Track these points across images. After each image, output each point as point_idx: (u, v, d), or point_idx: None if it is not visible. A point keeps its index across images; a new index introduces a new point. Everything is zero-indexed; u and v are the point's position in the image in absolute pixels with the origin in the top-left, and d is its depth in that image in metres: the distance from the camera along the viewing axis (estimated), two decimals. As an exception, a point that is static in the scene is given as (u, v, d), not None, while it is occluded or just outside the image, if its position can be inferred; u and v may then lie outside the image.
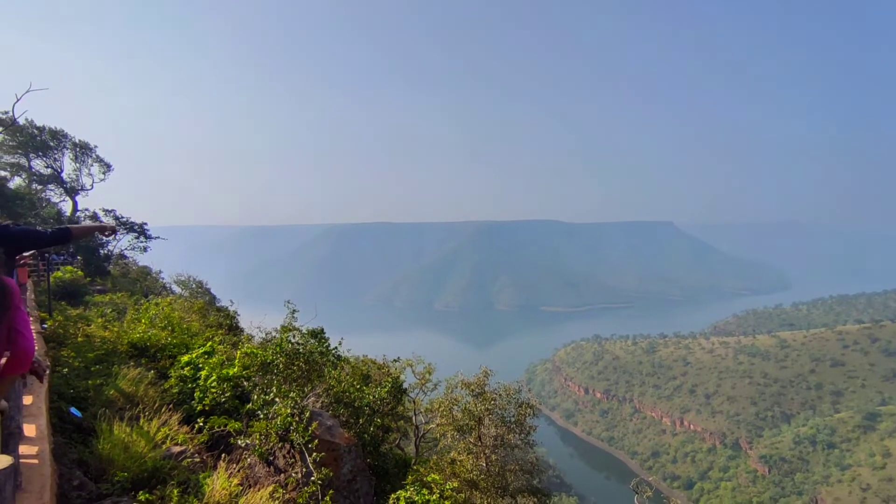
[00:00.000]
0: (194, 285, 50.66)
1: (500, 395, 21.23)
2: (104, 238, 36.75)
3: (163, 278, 54.01)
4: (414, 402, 22.77)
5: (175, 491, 6.41)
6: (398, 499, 8.15)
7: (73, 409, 8.28)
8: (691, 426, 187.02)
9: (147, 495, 6.26)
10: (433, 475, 9.28)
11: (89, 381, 9.32)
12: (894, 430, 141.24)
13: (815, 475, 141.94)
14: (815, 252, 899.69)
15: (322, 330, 17.25)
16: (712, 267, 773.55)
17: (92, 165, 38.37)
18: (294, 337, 14.22)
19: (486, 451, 20.44)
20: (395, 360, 19.30)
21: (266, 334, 19.25)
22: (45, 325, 13.16)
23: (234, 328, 22.82)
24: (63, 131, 37.21)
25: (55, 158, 37.13)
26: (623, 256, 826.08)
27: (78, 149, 37.57)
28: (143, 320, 15.07)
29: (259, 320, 20.71)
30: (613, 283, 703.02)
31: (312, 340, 15.74)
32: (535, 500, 20.94)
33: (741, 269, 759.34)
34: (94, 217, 37.75)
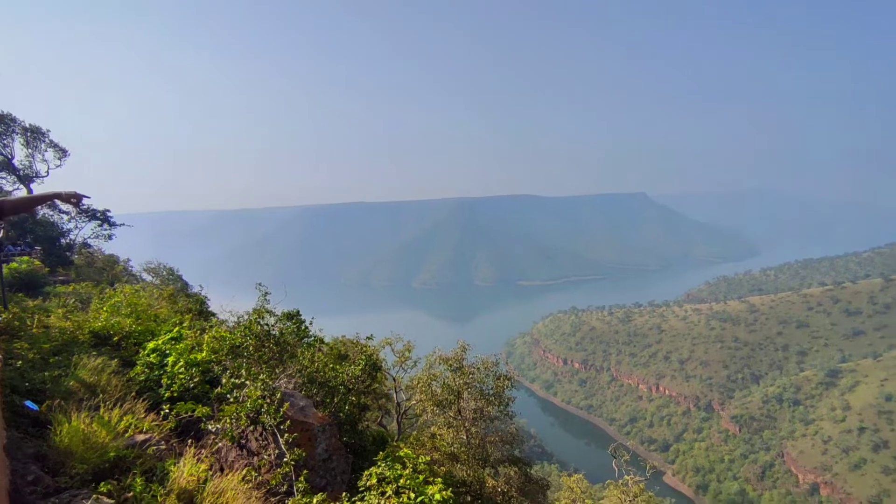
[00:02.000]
0: (165, 272, 49.42)
1: (478, 368, 21.40)
2: (70, 208, 35.19)
3: (132, 267, 52.49)
4: (394, 379, 22.79)
5: (139, 480, 6.18)
6: (370, 475, 8.07)
7: (28, 403, 7.90)
8: (666, 391, 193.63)
9: (109, 485, 6.01)
10: (406, 450, 9.22)
11: (46, 373, 8.92)
12: (854, 384, 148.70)
13: (781, 431, 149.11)
14: (782, 218, 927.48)
15: (298, 312, 16.97)
16: (685, 236, 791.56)
17: (46, 151, 36.49)
18: (268, 319, 13.93)
19: (466, 425, 20.68)
20: (368, 338, 19.16)
21: (239, 318, 18.85)
22: (0, 318, 12.56)
23: (204, 313, 22.31)
24: (11, 115, 35.15)
25: (4, 144, 35.15)
26: (598, 228, 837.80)
27: (29, 133, 35.62)
28: (105, 308, 14.51)
29: (231, 305, 20.27)
30: (589, 255, 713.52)
31: (289, 323, 15.47)
32: (516, 469, 21.36)
33: (713, 237, 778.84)
34: (52, 205, 36.14)
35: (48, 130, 37.17)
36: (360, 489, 8.00)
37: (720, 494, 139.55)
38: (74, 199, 5.20)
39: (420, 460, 8.84)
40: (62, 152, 37.64)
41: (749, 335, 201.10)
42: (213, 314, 23.92)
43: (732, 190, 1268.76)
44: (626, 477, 26.85)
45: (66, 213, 38.45)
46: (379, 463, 8.44)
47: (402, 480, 7.87)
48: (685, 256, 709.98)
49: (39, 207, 35.69)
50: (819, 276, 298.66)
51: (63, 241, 37.05)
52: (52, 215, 36.50)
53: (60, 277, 29.41)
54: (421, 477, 8.10)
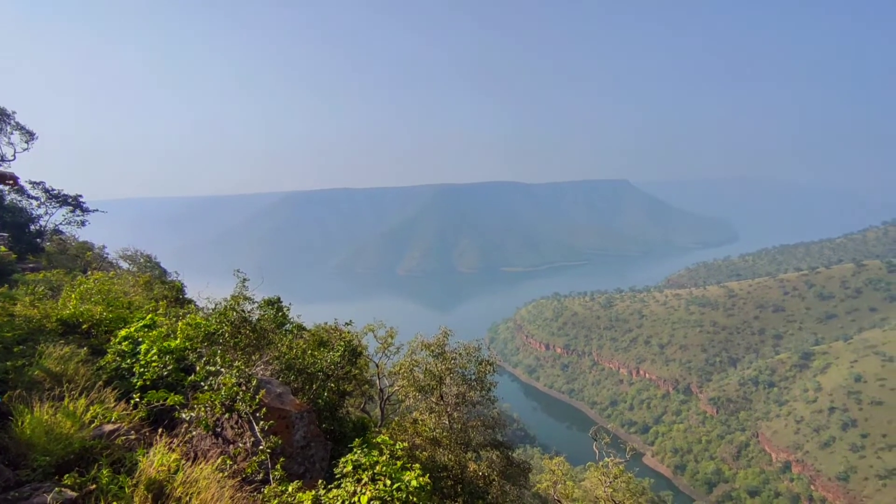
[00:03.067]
0: (143, 260, 48.30)
1: (460, 354, 21.34)
2: (4, 189, 33.91)
3: (107, 254, 51.23)
4: (377, 365, 22.69)
5: (105, 471, 5.97)
6: (346, 462, 7.96)
7: (-11, 393, 7.59)
8: (647, 375, 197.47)
9: (73, 478, 5.80)
10: (382, 436, 9.13)
11: (8, 363, 8.58)
12: (825, 366, 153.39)
13: (756, 412, 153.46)
14: (761, 205, 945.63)
15: (279, 299, 16.68)
16: (666, 223, 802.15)
17: (11, 133, 34.99)
18: (246, 305, 13.65)
19: (449, 410, 20.67)
20: (347, 323, 18.96)
21: (216, 305, 18.48)
22: (-39, 306, 12.07)
23: (180, 300, 21.83)
24: (-26, 96, 33.77)
25: (-33, 127, 33.75)
26: (581, 215, 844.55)
27: (-7, 116, 34.23)
28: (74, 296, 14.04)
29: (208, 291, 19.85)
30: (572, 241, 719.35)
31: (269, 309, 15.20)
32: (498, 452, 21.49)
33: (693, 224, 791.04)
34: (21, 190, 34.86)
35: (14, 112, 35.71)
36: (337, 476, 7.89)
37: (697, 474, 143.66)
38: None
39: (398, 446, 8.75)
40: (29, 135, 36.21)
41: (727, 319, 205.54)
42: (191, 301, 23.45)
43: (714, 177, 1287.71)
44: (606, 459, 27.27)
45: (36, 198, 37.23)
46: (355, 450, 8.34)
47: (378, 467, 7.78)
48: (666, 243, 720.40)
49: (5, 192, 34.49)
50: (795, 262, 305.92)
51: (33, 227, 35.88)
52: (19, 200, 35.30)
53: (30, 265, 28.48)
54: (399, 463, 8.02)
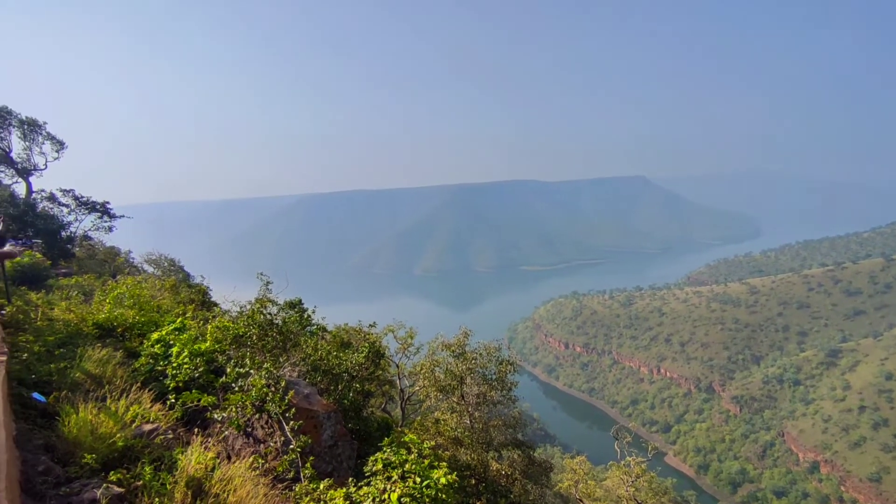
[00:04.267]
0: (166, 263, 49.55)
1: (480, 354, 21.51)
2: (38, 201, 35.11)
3: (133, 258, 52.57)
4: (398, 366, 22.92)
5: (148, 468, 6.28)
6: (376, 460, 8.19)
7: (35, 395, 7.99)
8: (667, 373, 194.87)
9: (118, 475, 6.11)
10: (410, 436, 9.34)
11: (52, 365, 9.00)
12: (854, 364, 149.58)
13: (782, 411, 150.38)
14: (783, 200, 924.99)
15: (300, 301, 17.02)
16: (685, 219, 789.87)
17: (43, 143, 36.22)
18: (270, 308, 13.98)
19: (470, 409, 20.86)
20: (371, 325, 19.23)
21: (241, 308, 18.91)
22: (4, 311, 12.63)
23: (206, 303, 22.39)
24: (7, 108, 34.84)
25: (1, 137, 34.93)
26: (598, 213, 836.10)
27: (26, 126, 35.33)
28: (108, 300, 14.56)
29: (232, 294, 20.33)
30: (590, 239, 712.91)
31: (291, 311, 15.53)
32: (520, 452, 21.60)
33: (713, 220, 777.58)
34: (52, 198, 35.97)
35: (45, 123, 36.92)
36: (367, 474, 8.12)
37: (721, 474, 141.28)
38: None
39: (425, 445, 8.95)
40: (60, 145, 37.41)
41: (749, 316, 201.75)
42: (216, 304, 24.01)
43: (732, 172, 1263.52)
44: (628, 458, 27.14)
45: (66, 205, 38.38)
46: (384, 448, 8.57)
47: (407, 465, 7.99)
48: (685, 239, 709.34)
49: (38, 200, 35.64)
50: (820, 257, 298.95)
51: (64, 233, 37.01)
52: (51, 208, 36.43)
53: (62, 270, 29.45)
54: (426, 461, 8.22)
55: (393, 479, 7.70)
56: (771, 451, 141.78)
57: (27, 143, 36.97)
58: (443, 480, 7.53)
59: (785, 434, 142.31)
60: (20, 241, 32.21)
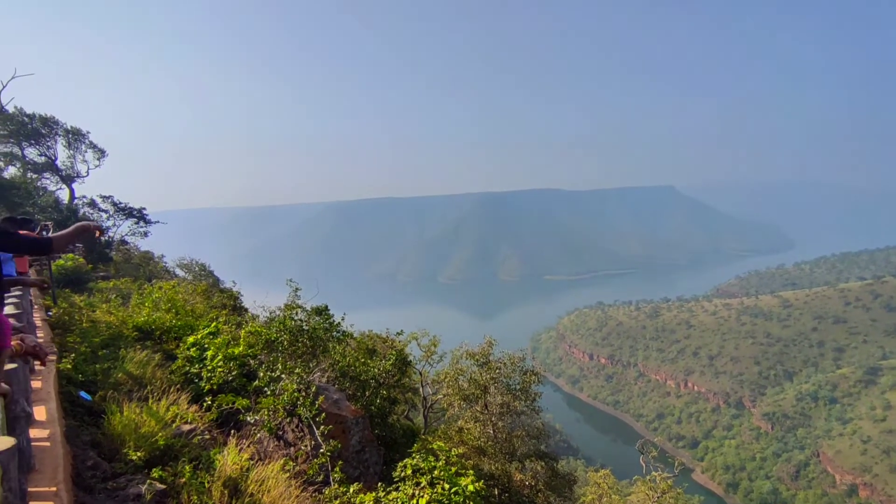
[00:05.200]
0: (197, 268, 50.97)
1: (504, 363, 21.51)
2: (97, 238, 36.72)
3: (166, 263, 54.27)
4: (421, 374, 23.09)
5: (187, 467, 6.57)
6: (405, 466, 8.34)
7: (82, 393, 8.43)
8: (695, 387, 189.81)
9: (160, 472, 6.42)
10: (438, 443, 9.48)
11: (97, 366, 9.46)
12: (895, 383, 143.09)
13: (816, 430, 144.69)
14: (816, 210, 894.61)
15: (326, 307, 17.37)
16: (714, 229, 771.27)
17: (86, 152, 38.02)
18: (298, 314, 14.34)
19: (493, 419, 20.83)
20: (398, 333, 19.47)
21: (270, 313, 19.39)
22: (51, 313, 13.29)
23: (237, 308, 23.00)
24: (54, 118, 36.72)
25: (48, 146, 36.75)
26: (625, 222, 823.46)
27: (70, 135, 37.13)
28: (146, 304, 15.17)
29: (262, 300, 20.86)
30: (616, 249, 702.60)
31: (317, 318, 15.87)
32: (543, 463, 21.44)
33: (743, 230, 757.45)
34: (93, 204, 37.58)
35: (88, 132, 38.66)
36: (395, 479, 8.28)
37: (751, 493, 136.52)
38: (99, 231, 5.60)
39: (452, 452, 9.07)
40: (101, 153, 39.11)
41: (782, 331, 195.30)
42: (246, 309, 24.64)
43: (763, 181, 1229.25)
44: (653, 473, 26.60)
45: (105, 211, 39.97)
46: (414, 454, 8.72)
47: (435, 472, 8.12)
48: (715, 250, 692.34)
49: (80, 206, 37.19)
50: (858, 271, 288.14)
51: (102, 238, 38.52)
52: (92, 214, 37.98)
53: (101, 273, 30.65)
54: (453, 469, 8.34)
55: (422, 484, 7.83)
56: (805, 471, 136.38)
57: (71, 152, 38.79)
58: (471, 488, 7.63)
59: (820, 454, 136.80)
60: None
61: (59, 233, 5.23)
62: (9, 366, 5.02)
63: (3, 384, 4.75)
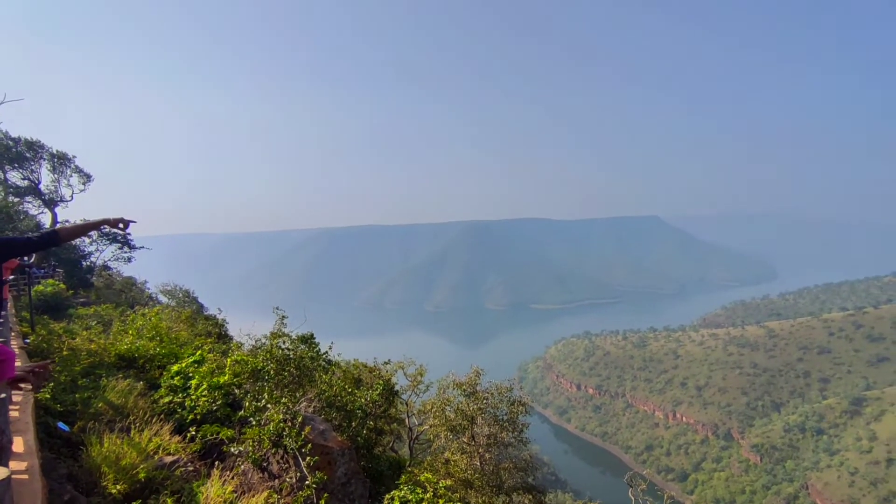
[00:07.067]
0: (181, 294, 50.21)
1: (491, 394, 21.35)
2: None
3: (149, 288, 53.45)
4: (406, 404, 22.76)
5: (169, 500, 6.39)
6: (392, 498, 8.18)
7: (60, 424, 8.18)
8: (684, 418, 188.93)
9: (140, 506, 6.23)
10: (426, 474, 9.32)
11: (76, 395, 9.22)
12: (879, 413, 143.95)
13: (805, 462, 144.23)
14: (798, 241, 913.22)
15: (312, 335, 17.18)
16: (699, 259, 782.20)
17: (71, 176, 37.74)
18: (284, 343, 14.17)
19: (480, 451, 20.53)
20: (385, 363, 19.28)
21: (256, 341, 19.12)
22: (28, 340, 12.97)
23: (223, 336, 22.65)
24: (40, 142, 36.53)
25: (32, 170, 36.46)
26: (611, 252, 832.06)
27: (56, 159, 36.91)
28: (129, 331, 14.90)
29: (248, 328, 20.59)
30: (602, 278, 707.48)
31: (303, 346, 15.69)
32: (531, 497, 21.06)
33: (728, 261, 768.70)
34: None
35: (74, 157, 38.49)
36: (382, 512, 8.12)
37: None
38: (122, 223, 5.50)
39: (440, 484, 8.93)
40: (87, 178, 38.88)
41: (769, 361, 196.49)
42: (231, 337, 24.26)
43: (747, 212, 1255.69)
44: (643, 507, 26.21)
45: (88, 235, 39.46)
46: (401, 486, 8.56)
47: (423, 504, 7.99)
48: (701, 280, 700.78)
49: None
50: (840, 301, 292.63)
51: (84, 263, 37.95)
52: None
53: (81, 299, 30.08)
54: (441, 501, 8.19)
55: (409, 518, 7.69)
56: (795, 503, 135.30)
57: (55, 176, 38.47)
58: (459, 521, 7.51)
59: (809, 486, 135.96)
60: (43, 271, 33.04)
61: (71, 225, 5.10)
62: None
63: None
